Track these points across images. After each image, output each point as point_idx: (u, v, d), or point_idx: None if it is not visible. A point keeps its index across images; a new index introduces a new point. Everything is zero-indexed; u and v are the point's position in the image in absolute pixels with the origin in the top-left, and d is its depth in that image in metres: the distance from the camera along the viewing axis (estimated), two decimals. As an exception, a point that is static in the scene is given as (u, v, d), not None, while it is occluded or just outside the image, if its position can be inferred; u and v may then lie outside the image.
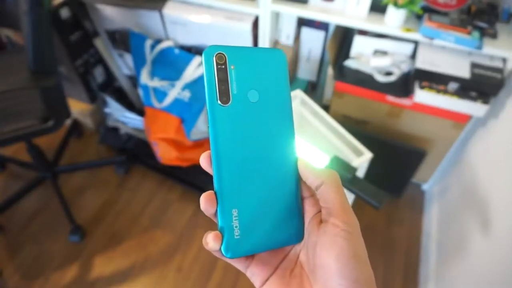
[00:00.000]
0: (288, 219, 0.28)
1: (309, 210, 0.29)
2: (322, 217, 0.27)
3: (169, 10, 1.17)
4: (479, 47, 0.92)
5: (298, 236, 0.28)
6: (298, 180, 0.29)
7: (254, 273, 0.28)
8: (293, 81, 1.39)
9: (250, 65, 0.28)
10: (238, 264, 0.29)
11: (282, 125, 0.28)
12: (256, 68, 0.28)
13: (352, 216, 0.26)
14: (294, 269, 0.28)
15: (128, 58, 1.43)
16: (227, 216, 0.26)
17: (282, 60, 0.29)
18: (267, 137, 0.28)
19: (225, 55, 0.27)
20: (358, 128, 1.26)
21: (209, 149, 0.27)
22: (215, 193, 0.27)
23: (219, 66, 0.26)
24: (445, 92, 1.01)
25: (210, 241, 0.26)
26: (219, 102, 0.26)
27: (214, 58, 0.26)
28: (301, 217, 0.28)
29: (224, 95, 0.26)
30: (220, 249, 0.26)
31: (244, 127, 0.27)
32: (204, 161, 0.27)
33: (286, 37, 1.23)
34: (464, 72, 0.99)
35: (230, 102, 0.27)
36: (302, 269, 0.28)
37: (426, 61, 1.02)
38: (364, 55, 1.13)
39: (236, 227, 0.26)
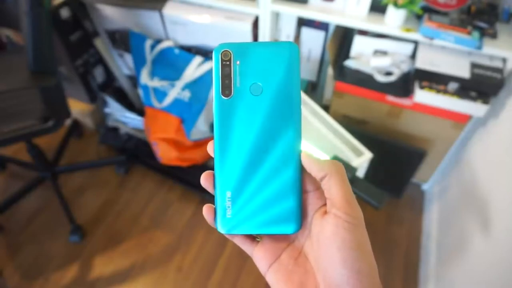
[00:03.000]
0: (285, 208, 0.29)
1: (314, 203, 0.29)
2: (327, 209, 0.27)
3: (169, 10, 1.17)
4: (479, 47, 0.92)
5: (294, 226, 0.29)
6: (300, 172, 0.29)
7: (258, 257, 0.30)
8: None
9: (257, 60, 0.29)
10: (244, 246, 0.31)
11: (286, 118, 0.29)
12: (264, 62, 0.29)
13: (355, 208, 0.27)
14: (298, 258, 0.29)
15: (128, 58, 1.43)
16: (221, 196, 0.29)
17: (292, 52, 0.29)
18: (268, 128, 0.29)
19: (231, 52, 0.29)
20: (358, 128, 1.26)
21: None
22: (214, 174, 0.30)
23: (223, 62, 0.29)
24: (445, 92, 1.01)
25: (204, 212, 0.30)
26: (222, 95, 0.29)
27: (220, 55, 0.29)
28: (299, 208, 0.29)
29: (227, 89, 0.29)
30: (215, 224, 0.30)
31: (245, 118, 0.29)
32: (209, 147, 0.30)
33: (286, 37, 1.23)
34: (464, 72, 0.99)
35: (231, 95, 0.29)
36: (307, 259, 0.29)
37: (426, 61, 1.02)
38: (364, 55, 1.13)
39: (228, 207, 0.29)
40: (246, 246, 0.31)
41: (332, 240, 0.26)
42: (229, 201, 0.29)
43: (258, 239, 0.31)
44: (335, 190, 0.27)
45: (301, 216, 0.29)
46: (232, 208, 0.29)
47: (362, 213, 0.27)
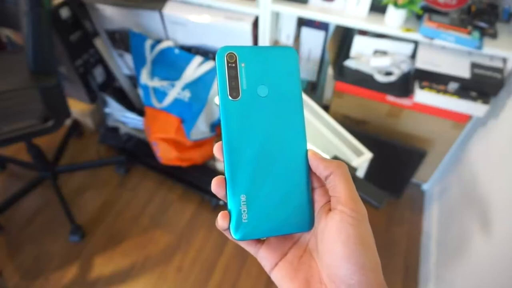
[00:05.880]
0: (297, 207, 0.29)
1: (318, 200, 0.30)
2: (331, 206, 0.28)
3: (169, 10, 1.17)
4: (479, 47, 0.92)
5: (307, 224, 0.29)
6: (308, 171, 0.30)
7: (263, 257, 0.30)
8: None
9: (261, 62, 0.30)
10: (249, 248, 0.30)
11: (292, 118, 0.30)
12: (267, 65, 0.30)
13: (360, 205, 0.27)
14: (302, 256, 0.29)
15: (128, 58, 1.43)
16: (235, 201, 0.28)
17: (293, 57, 0.30)
18: (277, 129, 0.29)
19: (236, 54, 0.29)
20: (358, 128, 1.26)
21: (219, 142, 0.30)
22: (225, 178, 0.29)
23: (229, 64, 0.29)
24: (445, 92, 1.01)
25: (219, 219, 0.28)
26: (229, 97, 0.29)
27: (226, 57, 0.29)
28: (310, 206, 0.30)
29: (234, 90, 0.29)
30: (229, 230, 0.28)
31: (253, 119, 0.29)
32: (216, 150, 0.29)
33: (286, 37, 1.23)
34: (464, 72, 0.99)
35: (239, 97, 0.29)
36: (311, 256, 0.29)
37: (426, 61, 1.02)
38: (364, 55, 1.13)
39: (244, 211, 0.28)
40: (251, 247, 0.30)
41: (337, 236, 0.26)
42: (244, 204, 0.28)
43: (263, 239, 0.31)
44: (340, 187, 0.27)
45: (313, 213, 0.30)
46: (248, 212, 0.28)
47: (366, 210, 0.28)
